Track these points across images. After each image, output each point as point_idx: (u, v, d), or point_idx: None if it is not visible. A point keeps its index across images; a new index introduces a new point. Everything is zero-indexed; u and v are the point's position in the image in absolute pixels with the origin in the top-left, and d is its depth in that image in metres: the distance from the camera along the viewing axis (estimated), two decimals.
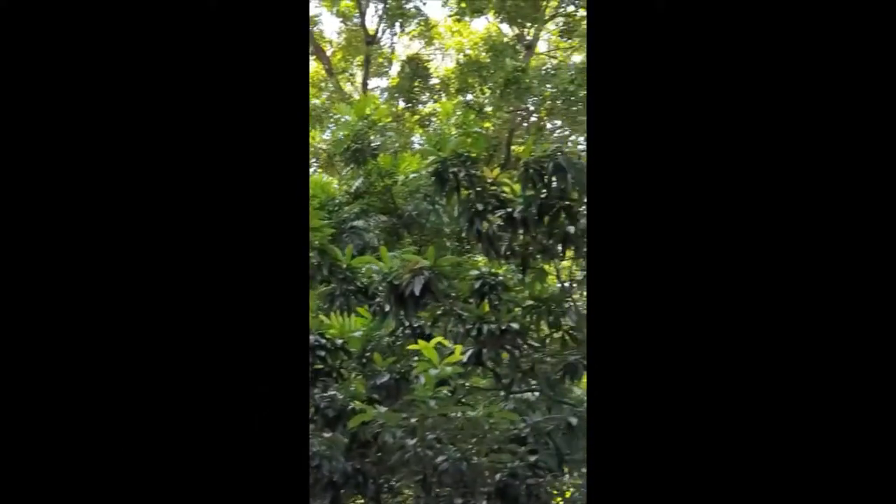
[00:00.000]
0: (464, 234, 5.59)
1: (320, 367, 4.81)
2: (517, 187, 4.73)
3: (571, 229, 4.61)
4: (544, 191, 4.61)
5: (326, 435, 4.54)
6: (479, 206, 4.71)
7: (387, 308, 4.76)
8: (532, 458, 4.44)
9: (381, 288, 4.82)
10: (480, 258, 5.31)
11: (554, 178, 4.52)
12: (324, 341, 4.81)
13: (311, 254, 5.01)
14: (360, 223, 6.30)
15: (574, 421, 4.23)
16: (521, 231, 4.73)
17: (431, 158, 4.93)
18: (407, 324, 4.92)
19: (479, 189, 4.74)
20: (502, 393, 4.96)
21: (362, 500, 4.99)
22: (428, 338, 4.62)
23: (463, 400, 4.82)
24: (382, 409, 4.43)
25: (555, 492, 4.99)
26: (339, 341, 4.91)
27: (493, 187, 4.78)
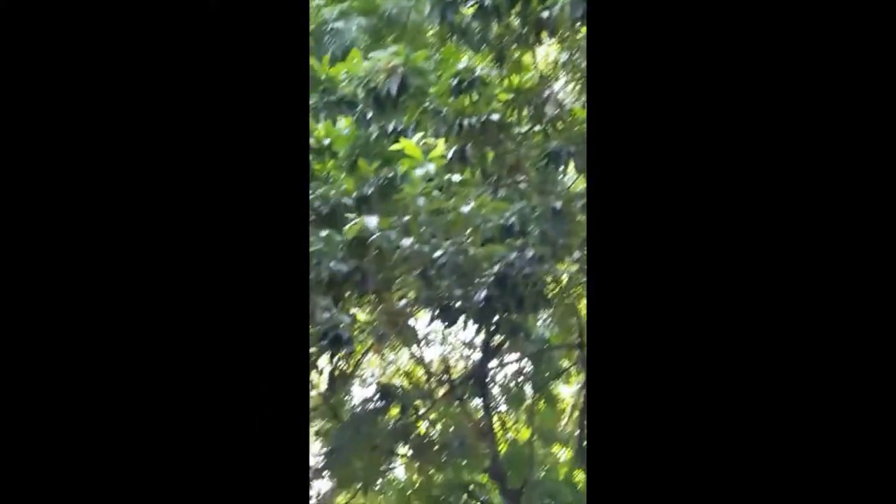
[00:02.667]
0: (436, 27, 5.44)
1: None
2: None
3: (545, 14, 4.54)
4: None
5: (322, 234, 4.62)
6: None
7: (368, 115, 4.79)
8: (526, 250, 4.57)
9: (359, 93, 4.84)
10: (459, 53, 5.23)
11: None
12: (311, 142, 4.80)
13: None
14: (340, 24, 6.19)
15: (558, 205, 4.36)
16: (494, 20, 4.67)
17: None
18: (389, 128, 4.95)
19: None
20: (490, 188, 5.07)
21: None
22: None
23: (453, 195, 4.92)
24: (374, 217, 4.49)
25: (549, 279, 5.21)
26: (327, 141, 4.93)
27: None
